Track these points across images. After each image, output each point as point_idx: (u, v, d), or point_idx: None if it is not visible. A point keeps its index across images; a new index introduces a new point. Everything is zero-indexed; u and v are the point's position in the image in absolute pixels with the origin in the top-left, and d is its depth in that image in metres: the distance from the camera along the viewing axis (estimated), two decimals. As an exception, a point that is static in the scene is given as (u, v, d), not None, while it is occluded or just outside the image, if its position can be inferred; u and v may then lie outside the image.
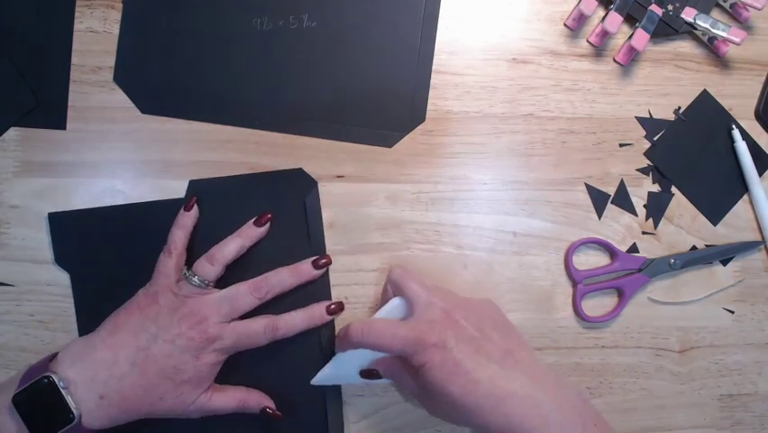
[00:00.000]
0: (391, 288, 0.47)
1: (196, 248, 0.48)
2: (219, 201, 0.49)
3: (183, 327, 0.43)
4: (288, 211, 0.49)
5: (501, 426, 0.40)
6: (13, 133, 0.49)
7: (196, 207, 0.47)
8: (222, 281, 0.46)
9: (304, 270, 0.48)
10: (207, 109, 0.50)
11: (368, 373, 0.46)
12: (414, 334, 0.41)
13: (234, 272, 0.47)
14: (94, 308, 0.47)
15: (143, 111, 0.50)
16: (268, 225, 0.48)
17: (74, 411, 0.40)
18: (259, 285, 0.46)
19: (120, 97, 0.49)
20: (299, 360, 0.49)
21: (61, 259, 0.48)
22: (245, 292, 0.45)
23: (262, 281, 0.46)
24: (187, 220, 0.47)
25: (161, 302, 0.44)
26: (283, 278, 0.47)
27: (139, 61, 0.49)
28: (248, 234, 0.47)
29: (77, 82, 0.49)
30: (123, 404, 0.42)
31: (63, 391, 0.40)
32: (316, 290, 0.49)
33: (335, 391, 0.49)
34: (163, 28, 0.50)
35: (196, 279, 0.45)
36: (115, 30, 0.49)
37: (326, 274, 0.50)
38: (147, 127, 0.50)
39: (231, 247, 0.46)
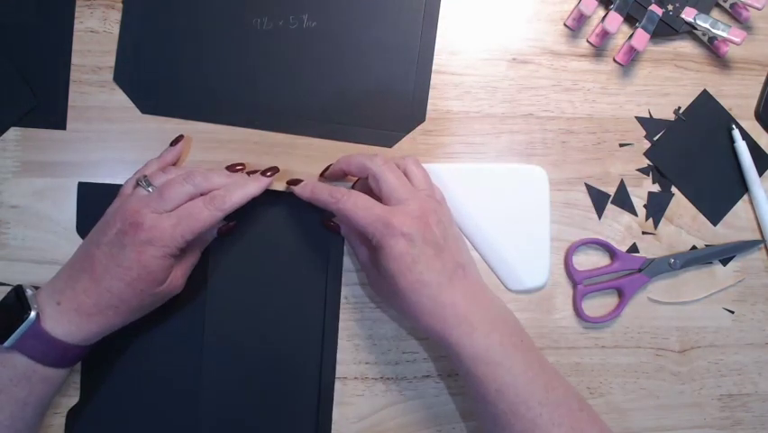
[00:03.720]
0: (356, 170, 0.46)
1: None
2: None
3: (117, 224, 0.42)
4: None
5: (433, 328, 0.43)
6: (13, 133, 0.49)
7: (180, 145, 0.48)
8: (227, 273, 0.46)
9: (257, 184, 0.45)
10: (207, 109, 0.50)
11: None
12: (388, 216, 0.43)
13: (245, 265, 0.48)
14: None
15: (143, 111, 0.50)
16: (271, 178, 0.46)
17: (32, 308, 0.40)
18: (190, 174, 0.44)
19: (120, 97, 0.49)
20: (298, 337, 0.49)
21: (83, 230, 0.48)
22: (177, 181, 0.44)
23: (194, 172, 0.44)
24: (168, 156, 0.48)
25: (107, 213, 0.44)
26: (241, 191, 0.44)
27: (139, 61, 0.49)
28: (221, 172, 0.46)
29: (77, 82, 0.49)
30: (81, 309, 0.41)
31: (26, 294, 0.41)
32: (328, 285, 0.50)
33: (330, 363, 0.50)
34: (163, 28, 0.50)
35: (149, 187, 0.44)
36: (115, 30, 0.49)
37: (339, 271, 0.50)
38: (147, 127, 0.50)
39: (193, 171, 0.45)
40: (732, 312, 0.53)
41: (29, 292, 0.42)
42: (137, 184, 0.45)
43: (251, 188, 0.45)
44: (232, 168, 0.47)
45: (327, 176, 0.49)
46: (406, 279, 0.42)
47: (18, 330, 0.40)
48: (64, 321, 0.41)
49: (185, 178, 0.44)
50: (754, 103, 0.54)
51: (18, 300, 0.41)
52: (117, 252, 0.41)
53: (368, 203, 0.44)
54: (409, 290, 0.43)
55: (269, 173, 0.46)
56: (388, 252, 0.42)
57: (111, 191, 0.47)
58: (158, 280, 0.43)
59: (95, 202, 0.47)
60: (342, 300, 0.50)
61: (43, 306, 0.41)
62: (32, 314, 0.40)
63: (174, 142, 0.49)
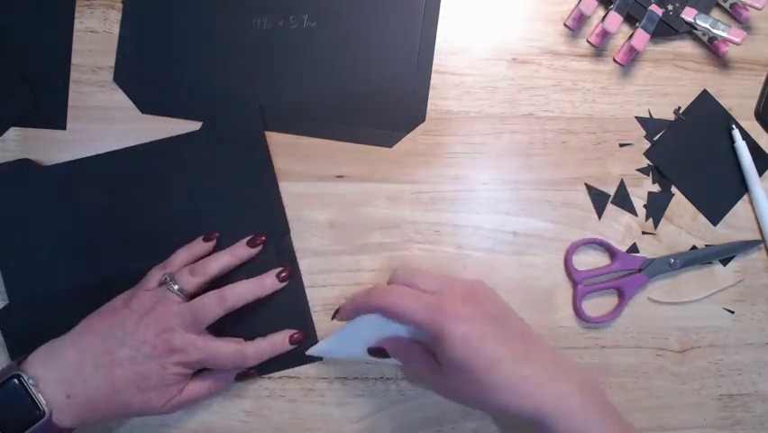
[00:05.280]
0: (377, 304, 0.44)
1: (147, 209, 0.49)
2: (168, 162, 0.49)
3: (149, 335, 0.42)
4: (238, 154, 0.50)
5: (520, 407, 0.40)
6: (13, 133, 0.49)
7: (212, 244, 0.48)
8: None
9: (268, 283, 0.47)
10: (207, 109, 0.50)
11: (376, 352, 0.46)
12: (439, 302, 0.42)
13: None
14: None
15: (143, 111, 0.50)
16: (260, 247, 0.48)
17: (44, 408, 0.40)
18: (224, 296, 0.44)
19: (120, 97, 0.49)
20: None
21: None
22: (210, 303, 0.44)
23: (227, 292, 0.45)
24: (198, 249, 0.47)
25: (132, 307, 0.44)
26: (248, 289, 0.46)
27: (139, 61, 0.49)
28: (238, 253, 0.47)
29: (77, 82, 0.49)
30: (90, 405, 0.42)
31: (33, 389, 0.40)
32: (291, 296, 0.49)
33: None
34: (163, 28, 0.50)
35: (175, 287, 0.44)
36: (115, 30, 0.49)
37: (299, 280, 0.50)
38: (147, 127, 0.50)
39: (216, 264, 0.46)
40: (732, 312, 0.53)
41: (31, 383, 0.40)
42: (163, 281, 0.44)
43: (271, 349, 0.47)
44: (252, 243, 0.47)
45: (340, 316, 0.47)
46: (481, 362, 0.40)
47: (30, 430, 0.40)
48: (71, 414, 0.41)
49: (218, 302, 0.44)
50: (754, 103, 0.54)
51: (26, 396, 0.40)
52: (142, 359, 0.42)
53: (414, 293, 0.43)
54: (485, 371, 0.40)
55: (284, 274, 0.47)
56: (450, 339, 0.40)
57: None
58: (169, 394, 0.44)
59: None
60: (342, 300, 0.50)
61: (53, 401, 0.41)
62: (46, 415, 0.40)
63: (207, 239, 0.48)
